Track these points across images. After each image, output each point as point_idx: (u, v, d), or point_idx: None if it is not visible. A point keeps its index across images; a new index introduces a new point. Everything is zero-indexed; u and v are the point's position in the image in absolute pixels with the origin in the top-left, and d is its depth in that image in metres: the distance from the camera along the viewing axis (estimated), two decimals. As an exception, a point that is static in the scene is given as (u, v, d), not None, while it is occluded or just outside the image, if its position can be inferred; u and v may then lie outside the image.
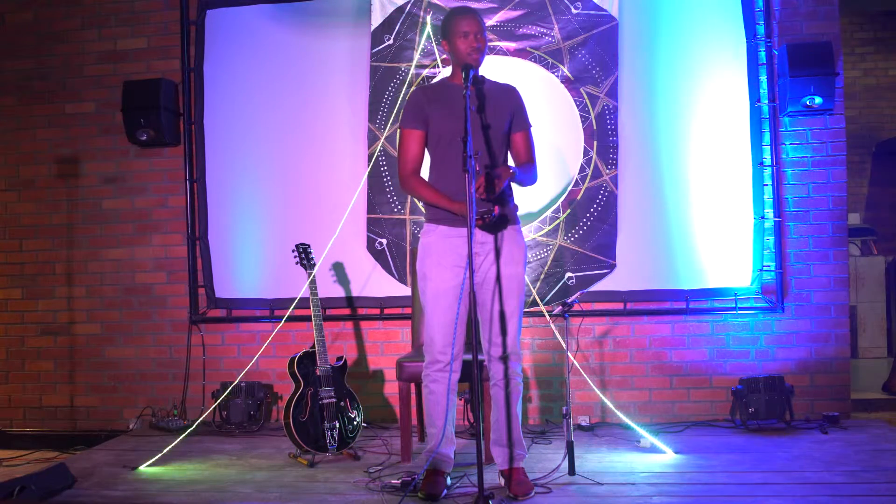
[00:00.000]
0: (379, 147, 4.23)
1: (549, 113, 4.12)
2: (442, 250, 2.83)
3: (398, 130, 3.01)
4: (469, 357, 3.15)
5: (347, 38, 4.32)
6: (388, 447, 3.59)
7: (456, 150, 2.70)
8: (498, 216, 2.72)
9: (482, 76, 2.89)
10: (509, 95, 2.94)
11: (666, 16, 4.13)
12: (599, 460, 3.33)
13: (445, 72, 4.15)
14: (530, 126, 2.97)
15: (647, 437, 3.54)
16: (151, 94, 4.30)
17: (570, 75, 4.14)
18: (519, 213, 3.01)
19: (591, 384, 3.89)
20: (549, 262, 4.12)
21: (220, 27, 4.44)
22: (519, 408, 2.90)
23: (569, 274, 4.11)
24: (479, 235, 2.81)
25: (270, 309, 4.33)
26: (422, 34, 4.21)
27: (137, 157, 4.54)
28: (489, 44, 4.13)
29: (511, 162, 2.99)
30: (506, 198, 2.86)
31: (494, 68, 4.07)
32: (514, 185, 2.92)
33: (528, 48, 4.17)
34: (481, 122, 2.82)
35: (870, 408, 4.42)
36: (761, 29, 4.07)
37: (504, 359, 2.83)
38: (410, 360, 3.34)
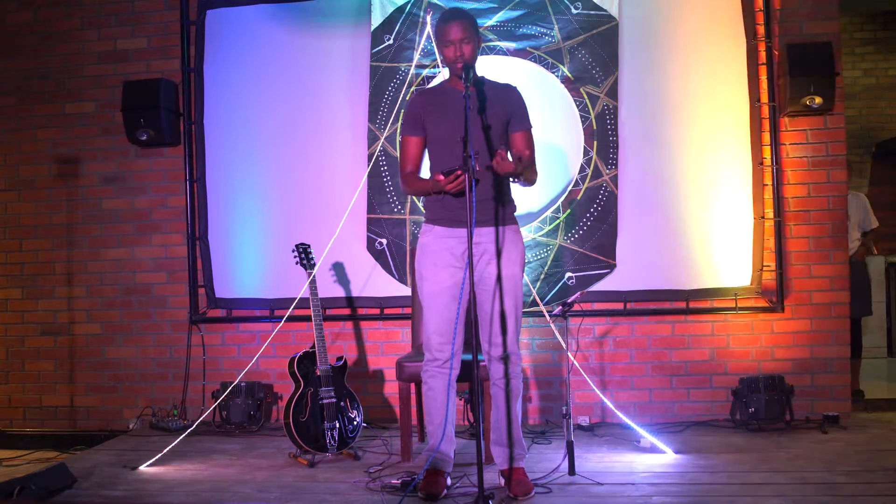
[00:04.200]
0: (379, 147, 4.23)
1: (549, 113, 4.12)
2: (437, 250, 2.84)
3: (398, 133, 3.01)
4: (467, 356, 3.16)
5: (347, 38, 4.32)
6: (388, 447, 3.58)
7: (456, 153, 2.70)
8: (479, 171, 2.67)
9: (482, 77, 2.89)
10: (508, 95, 2.92)
11: (666, 16, 4.13)
12: (599, 460, 3.33)
13: (445, 72, 4.14)
14: (531, 126, 2.96)
15: (647, 437, 3.54)
16: (151, 94, 4.30)
17: (570, 75, 4.14)
18: (519, 213, 3.00)
19: (591, 384, 3.89)
20: (549, 262, 4.12)
21: (220, 27, 4.44)
22: (519, 408, 2.90)
23: (569, 274, 4.11)
24: (476, 236, 2.81)
25: (270, 309, 4.32)
26: (422, 34, 4.21)
27: (137, 157, 4.54)
28: (489, 44, 4.15)
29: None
30: (504, 193, 2.86)
31: (494, 68, 4.08)
32: (513, 186, 2.92)
33: (528, 48, 4.17)
34: (482, 123, 2.82)
35: (870, 408, 4.42)
36: (761, 29, 4.07)
37: (502, 359, 2.83)
38: (410, 360, 3.34)
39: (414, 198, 4.17)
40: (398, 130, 4.20)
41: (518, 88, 2.97)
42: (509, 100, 2.91)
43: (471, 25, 2.82)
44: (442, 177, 2.64)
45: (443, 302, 2.82)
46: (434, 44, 2.90)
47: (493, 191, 2.81)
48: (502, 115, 2.88)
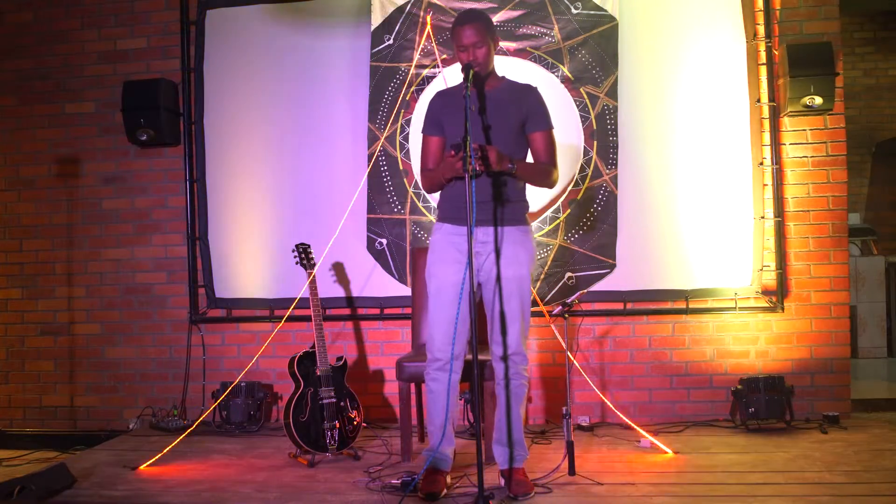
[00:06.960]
0: (379, 147, 4.23)
1: (550, 113, 4.11)
2: (444, 247, 2.86)
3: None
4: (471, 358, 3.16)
5: (347, 38, 4.32)
6: (388, 447, 3.58)
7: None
8: (479, 156, 2.63)
9: (502, 76, 2.93)
10: (524, 95, 2.91)
11: (666, 16, 4.13)
12: (599, 460, 3.33)
13: (448, 72, 4.16)
14: (551, 127, 2.95)
15: (647, 437, 3.54)
16: (151, 94, 4.30)
17: (570, 75, 4.14)
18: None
19: (591, 384, 3.89)
20: (549, 262, 4.12)
21: (220, 27, 4.44)
22: (521, 408, 2.90)
23: (569, 274, 4.11)
24: (481, 235, 2.81)
25: (270, 309, 4.32)
26: (422, 34, 4.21)
27: (137, 157, 4.54)
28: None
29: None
30: (508, 193, 2.85)
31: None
32: (528, 186, 2.94)
33: (528, 48, 4.17)
34: (482, 123, 2.82)
35: (870, 408, 4.42)
36: (761, 29, 4.07)
37: (504, 358, 2.83)
38: (410, 360, 3.34)
39: (414, 198, 4.18)
40: (398, 130, 4.22)
41: (537, 88, 2.95)
42: (525, 100, 2.90)
43: (484, 28, 2.81)
44: (452, 152, 2.63)
45: (447, 299, 2.82)
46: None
47: (494, 190, 2.81)
48: (516, 115, 2.87)
